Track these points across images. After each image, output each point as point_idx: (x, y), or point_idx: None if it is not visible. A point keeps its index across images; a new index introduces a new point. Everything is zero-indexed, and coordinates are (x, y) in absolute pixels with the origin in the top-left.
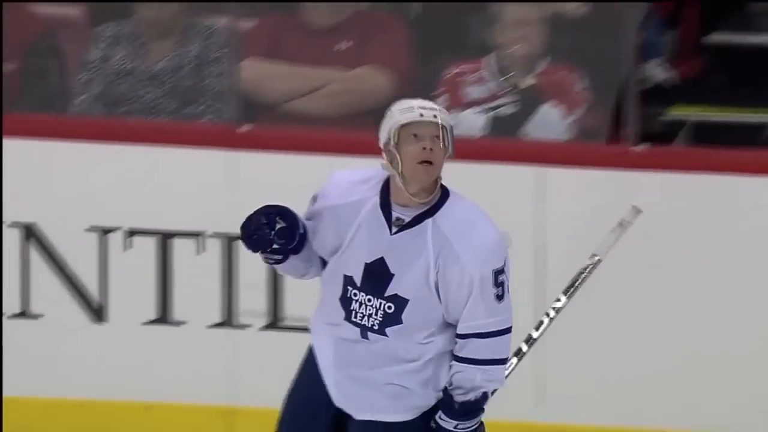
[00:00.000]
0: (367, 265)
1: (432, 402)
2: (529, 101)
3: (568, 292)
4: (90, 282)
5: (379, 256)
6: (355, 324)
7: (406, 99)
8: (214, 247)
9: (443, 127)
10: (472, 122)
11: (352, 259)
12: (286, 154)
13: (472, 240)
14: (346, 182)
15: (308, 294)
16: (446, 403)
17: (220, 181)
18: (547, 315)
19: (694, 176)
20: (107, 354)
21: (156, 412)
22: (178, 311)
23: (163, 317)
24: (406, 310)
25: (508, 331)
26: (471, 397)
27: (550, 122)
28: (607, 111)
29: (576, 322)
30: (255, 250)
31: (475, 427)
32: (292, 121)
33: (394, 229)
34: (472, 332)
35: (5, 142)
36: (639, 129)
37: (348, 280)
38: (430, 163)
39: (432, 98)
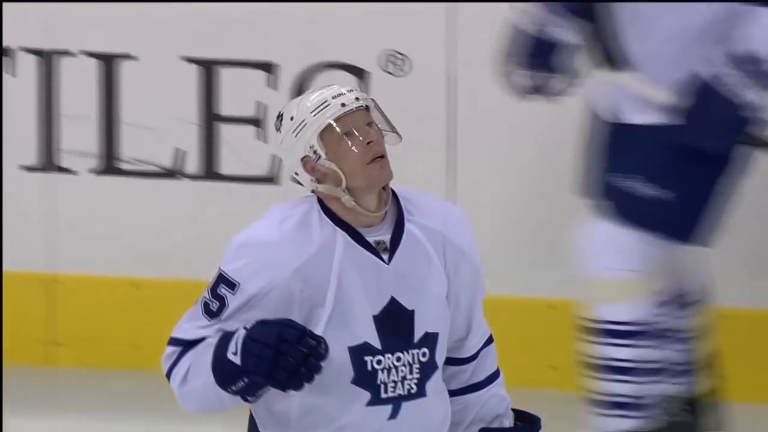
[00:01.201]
0: (377, 318)
1: None
2: None
3: None
4: None
5: (388, 298)
6: (386, 401)
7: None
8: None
9: (369, 107)
10: None
11: (350, 322)
12: None
13: (459, 226)
14: (283, 235)
15: None
16: None
17: None
18: None
19: None
20: None
21: None
22: None
23: None
24: (437, 348)
25: None
26: (512, 422)
27: None
28: None
29: None
30: (298, 388)
31: None
32: None
33: (386, 256)
34: (485, 341)
35: None
36: None
37: (362, 350)
38: (382, 156)
39: None
